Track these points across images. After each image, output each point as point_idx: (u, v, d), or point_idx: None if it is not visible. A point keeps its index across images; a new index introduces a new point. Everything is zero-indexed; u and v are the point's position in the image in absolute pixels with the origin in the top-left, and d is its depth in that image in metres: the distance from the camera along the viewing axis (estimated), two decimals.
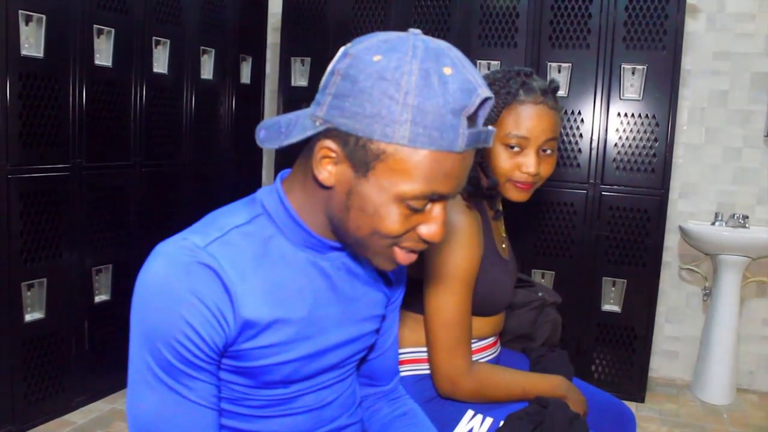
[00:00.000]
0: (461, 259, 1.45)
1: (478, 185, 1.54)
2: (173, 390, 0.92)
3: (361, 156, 0.89)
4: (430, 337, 1.47)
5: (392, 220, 0.92)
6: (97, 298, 2.96)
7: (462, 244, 1.45)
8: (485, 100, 0.88)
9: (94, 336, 2.94)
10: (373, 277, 1.15)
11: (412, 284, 1.43)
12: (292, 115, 0.96)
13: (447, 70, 0.86)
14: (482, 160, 1.54)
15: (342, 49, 0.93)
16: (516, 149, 1.50)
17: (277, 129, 0.95)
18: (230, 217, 1.01)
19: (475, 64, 3.29)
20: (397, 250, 0.97)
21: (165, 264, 0.92)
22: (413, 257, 0.99)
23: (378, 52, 0.88)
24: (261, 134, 0.97)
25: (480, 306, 1.55)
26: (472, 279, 1.47)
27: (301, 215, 1.02)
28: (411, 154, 0.87)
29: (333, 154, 0.92)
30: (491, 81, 1.55)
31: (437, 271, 1.45)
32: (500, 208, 1.67)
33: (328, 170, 0.93)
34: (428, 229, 0.95)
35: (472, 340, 1.54)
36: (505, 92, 1.50)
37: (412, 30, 0.92)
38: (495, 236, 1.62)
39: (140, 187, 3.11)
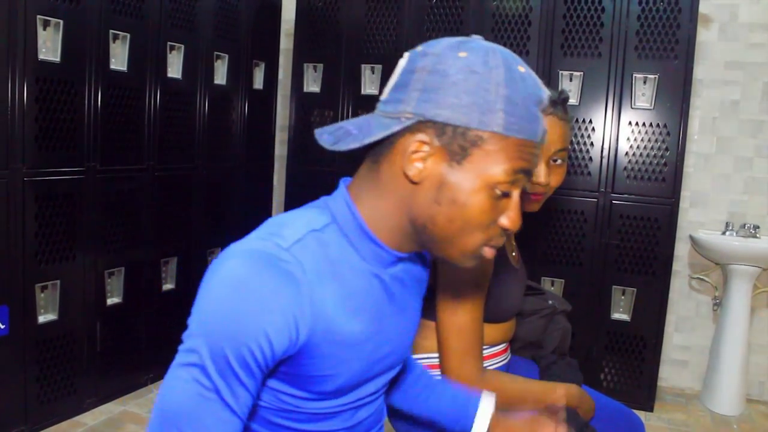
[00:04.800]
0: (474, 267, 1.46)
1: None
2: (217, 390, 0.89)
3: (459, 144, 0.93)
4: (442, 343, 1.48)
5: (483, 207, 0.95)
6: (110, 301, 2.99)
7: None
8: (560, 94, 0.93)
9: (106, 338, 2.97)
10: (417, 287, 1.17)
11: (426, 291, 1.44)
12: (358, 120, 0.99)
13: (521, 68, 0.95)
14: None
15: (411, 53, 0.98)
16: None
17: (345, 132, 0.97)
18: (303, 221, 0.99)
19: None
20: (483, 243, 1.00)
21: (246, 263, 0.90)
22: (495, 252, 1.03)
23: (461, 49, 0.93)
24: (326, 138, 0.98)
25: (490, 313, 1.56)
26: (484, 287, 1.49)
27: (371, 225, 1.01)
28: (504, 140, 0.93)
29: (426, 147, 0.93)
30: None
31: (450, 279, 1.47)
32: None
33: (417, 166, 0.94)
34: (508, 218, 0.98)
35: (483, 347, 1.55)
36: None
37: (473, 36, 0.99)
38: (505, 244, 1.63)
39: (153, 190, 3.14)
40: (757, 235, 3.40)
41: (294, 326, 0.90)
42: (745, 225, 3.44)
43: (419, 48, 0.97)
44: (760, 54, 3.43)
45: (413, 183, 0.96)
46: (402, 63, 0.97)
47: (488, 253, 1.01)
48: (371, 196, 1.01)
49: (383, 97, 0.99)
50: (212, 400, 0.89)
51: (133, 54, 2.95)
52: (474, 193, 0.94)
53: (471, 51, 0.93)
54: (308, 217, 1.00)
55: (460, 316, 1.46)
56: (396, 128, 0.93)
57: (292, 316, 0.90)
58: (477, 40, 0.97)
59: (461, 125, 0.92)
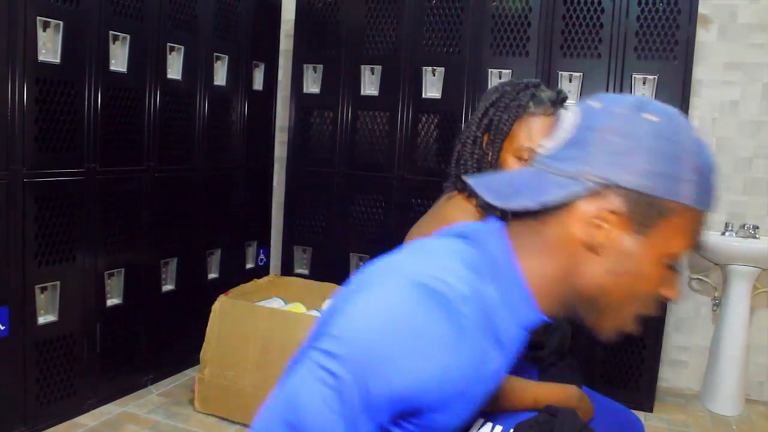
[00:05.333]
0: None
1: None
2: (347, 424, 0.82)
3: (646, 213, 0.86)
4: None
5: (656, 280, 0.90)
6: (109, 302, 2.99)
7: None
8: None
9: (105, 339, 2.97)
10: None
11: None
12: (523, 174, 0.94)
13: (697, 134, 0.90)
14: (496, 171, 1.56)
15: (582, 107, 0.91)
16: (527, 160, 1.52)
17: (514, 190, 0.91)
18: (462, 264, 0.90)
19: (486, 72, 3.33)
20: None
21: (421, 299, 0.82)
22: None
23: (645, 111, 0.88)
24: (490, 194, 0.92)
25: None
26: None
27: (528, 284, 0.93)
28: (690, 212, 0.87)
29: (613, 216, 0.86)
30: (500, 94, 1.57)
31: None
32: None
33: (598, 234, 0.87)
34: (674, 289, 0.93)
35: None
36: (515, 105, 1.53)
37: (639, 95, 0.94)
38: None
39: (153, 191, 3.14)
40: (757, 236, 3.40)
41: (451, 384, 0.85)
42: (744, 225, 3.44)
43: (592, 103, 0.91)
44: (759, 54, 3.43)
45: (589, 251, 0.89)
46: (572, 117, 0.91)
47: (634, 326, 0.95)
48: (532, 254, 0.92)
49: (549, 151, 0.92)
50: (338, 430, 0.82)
51: (133, 55, 2.95)
52: (651, 265, 0.88)
53: (656, 114, 0.88)
54: (467, 259, 0.92)
55: None
56: (577, 190, 0.87)
57: (456, 373, 0.84)
58: (651, 100, 0.91)
59: (651, 194, 0.85)
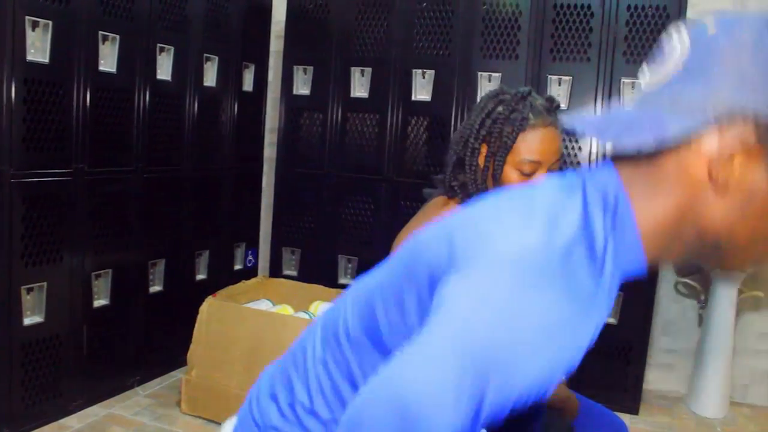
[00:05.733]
0: None
1: None
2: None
3: None
4: None
5: None
6: (96, 303, 2.97)
7: None
8: None
9: (92, 340, 2.95)
10: None
11: None
12: (631, 113, 0.84)
13: None
14: (495, 183, 1.56)
15: (694, 29, 0.80)
16: (528, 173, 1.53)
17: (625, 126, 0.81)
18: (570, 216, 0.80)
19: (476, 75, 3.34)
20: None
21: (546, 282, 0.73)
22: None
23: None
24: (592, 132, 0.86)
25: None
26: None
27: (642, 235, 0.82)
28: None
29: (744, 149, 0.75)
30: (497, 104, 1.57)
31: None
32: None
33: (727, 170, 0.76)
34: None
35: None
36: (517, 117, 1.53)
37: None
38: None
39: (141, 192, 3.13)
40: None
41: (564, 367, 0.77)
42: None
43: (708, 22, 0.79)
44: None
45: (716, 190, 0.78)
46: (682, 41, 0.80)
47: None
48: (645, 198, 0.82)
49: (655, 86, 0.82)
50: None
51: (122, 55, 2.94)
52: None
53: None
54: (572, 214, 0.80)
55: None
56: (702, 122, 0.76)
57: (574, 354, 0.76)
58: None
59: None
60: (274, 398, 1.02)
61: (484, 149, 1.59)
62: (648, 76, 0.84)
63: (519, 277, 0.73)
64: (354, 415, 0.75)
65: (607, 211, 0.81)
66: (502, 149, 1.55)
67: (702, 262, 0.89)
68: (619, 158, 0.85)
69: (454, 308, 0.74)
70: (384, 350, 0.90)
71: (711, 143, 0.76)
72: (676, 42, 0.81)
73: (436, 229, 0.90)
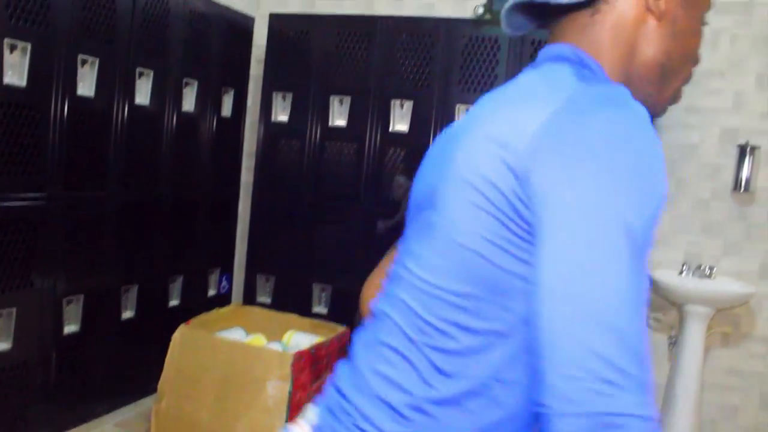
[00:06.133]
0: None
1: None
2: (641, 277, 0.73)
3: None
4: None
5: (700, 35, 0.95)
6: (67, 329, 2.93)
7: None
8: None
9: (61, 367, 2.90)
10: None
11: None
12: None
13: None
14: None
15: None
16: None
17: None
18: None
19: (454, 108, 3.37)
20: None
21: (645, 122, 0.77)
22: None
23: None
24: None
25: None
26: None
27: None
28: None
29: None
30: None
31: None
32: None
33: (663, 2, 0.90)
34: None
35: None
36: None
37: None
38: None
39: (116, 217, 3.10)
40: (712, 277, 3.48)
41: None
42: (700, 266, 3.51)
43: None
44: (717, 100, 3.54)
45: (654, 20, 0.91)
46: None
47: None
48: (599, 50, 0.91)
49: None
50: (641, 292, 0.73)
51: (101, 79, 2.92)
52: (697, 21, 0.94)
53: None
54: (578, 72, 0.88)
55: None
56: None
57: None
58: None
59: None
60: (383, 402, 0.89)
61: None
62: None
63: (607, 122, 0.76)
64: (555, 353, 0.72)
65: (585, 69, 0.89)
66: None
67: (646, 99, 0.91)
68: (558, 32, 0.95)
69: (587, 197, 0.74)
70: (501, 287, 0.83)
71: None
72: None
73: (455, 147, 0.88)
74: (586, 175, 0.74)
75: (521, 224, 0.78)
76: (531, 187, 0.76)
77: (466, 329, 0.83)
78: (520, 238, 0.79)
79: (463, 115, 3.36)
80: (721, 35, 3.50)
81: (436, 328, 0.85)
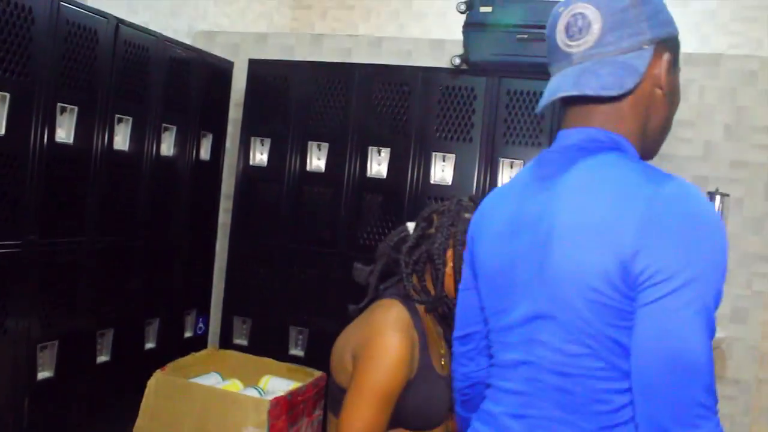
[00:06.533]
0: (384, 376, 1.51)
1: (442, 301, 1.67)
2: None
3: (677, 50, 1.19)
4: None
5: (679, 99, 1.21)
6: (40, 375, 2.91)
7: (388, 363, 1.52)
8: None
9: (33, 413, 2.88)
10: None
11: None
12: (585, 67, 1.12)
13: None
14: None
15: (593, 2, 1.13)
16: None
17: (594, 76, 1.10)
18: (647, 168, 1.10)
19: (431, 156, 3.43)
20: None
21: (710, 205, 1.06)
22: None
23: None
24: (571, 85, 1.11)
25: (411, 420, 1.60)
26: (391, 397, 1.53)
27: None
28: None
29: (669, 63, 1.15)
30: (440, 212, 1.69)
31: (358, 383, 1.52)
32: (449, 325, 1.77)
33: (668, 78, 1.15)
34: None
35: None
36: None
37: None
38: (432, 353, 1.68)
39: (93, 262, 3.10)
40: None
41: None
42: None
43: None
44: (687, 149, 3.63)
45: (661, 93, 1.15)
46: (590, 12, 1.12)
47: None
48: (622, 126, 1.14)
49: (589, 44, 1.12)
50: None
51: (80, 126, 2.94)
52: (678, 81, 1.20)
53: None
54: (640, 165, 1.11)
55: (359, 420, 1.49)
56: (648, 55, 1.12)
57: None
58: None
59: (676, 34, 1.18)
60: None
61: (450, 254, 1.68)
62: (578, 44, 1.13)
63: (704, 205, 1.03)
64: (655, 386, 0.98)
65: (623, 152, 1.12)
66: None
67: (646, 156, 1.22)
68: (584, 113, 1.16)
69: (693, 271, 0.96)
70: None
71: (655, 67, 1.13)
72: (584, 10, 1.12)
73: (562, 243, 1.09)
74: (690, 254, 0.96)
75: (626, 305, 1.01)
76: (636, 267, 0.98)
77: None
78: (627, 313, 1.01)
79: (440, 164, 3.42)
80: (690, 86, 3.60)
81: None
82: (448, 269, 1.69)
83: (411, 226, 1.77)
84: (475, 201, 1.69)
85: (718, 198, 3.50)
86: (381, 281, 1.78)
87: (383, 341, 1.52)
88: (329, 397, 1.71)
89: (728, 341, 3.55)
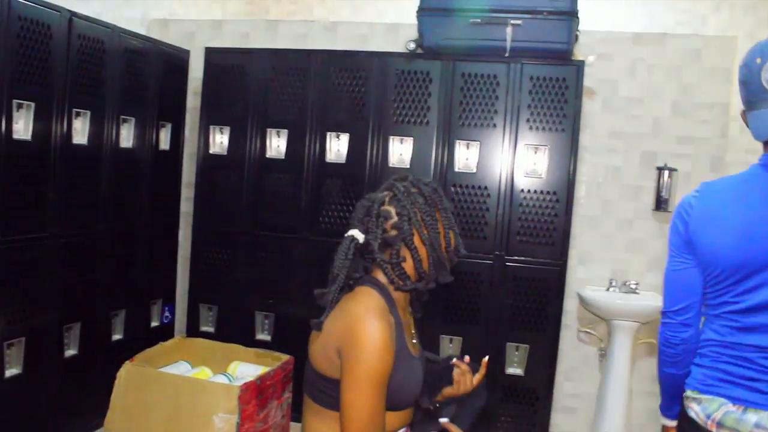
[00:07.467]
0: (375, 362, 1.57)
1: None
2: None
3: None
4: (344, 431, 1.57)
5: None
6: (8, 373, 2.92)
7: (376, 348, 1.57)
8: None
9: (3, 410, 2.89)
10: None
11: (335, 384, 1.57)
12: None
13: None
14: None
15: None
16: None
17: None
18: None
19: (388, 140, 3.48)
20: None
21: None
22: None
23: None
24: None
25: (392, 402, 1.67)
26: (384, 381, 1.60)
27: None
28: None
29: None
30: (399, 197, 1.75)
31: (351, 374, 1.57)
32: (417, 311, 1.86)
33: None
34: None
35: None
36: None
37: None
38: (406, 335, 1.75)
39: (56, 257, 3.10)
40: (638, 291, 3.69)
41: None
42: (626, 282, 3.71)
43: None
44: (637, 125, 3.74)
45: None
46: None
47: None
48: None
49: None
50: None
51: (37, 122, 2.93)
52: None
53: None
54: None
55: (361, 409, 1.54)
56: None
57: None
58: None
59: None
60: None
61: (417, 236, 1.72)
62: None
63: None
64: None
65: None
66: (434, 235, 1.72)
67: None
68: None
69: None
70: None
71: None
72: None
73: None
74: None
75: None
76: None
77: None
78: None
79: (398, 147, 3.48)
80: (639, 65, 3.71)
81: None
82: (423, 252, 1.74)
83: (355, 233, 1.76)
84: (406, 178, 1.77)
85: (666, 173, 3.64)
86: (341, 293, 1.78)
87: (367, 328, 1.57)
88: (307, 382, 1.74)
89: None
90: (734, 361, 1.56)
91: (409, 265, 1.73)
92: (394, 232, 1.72)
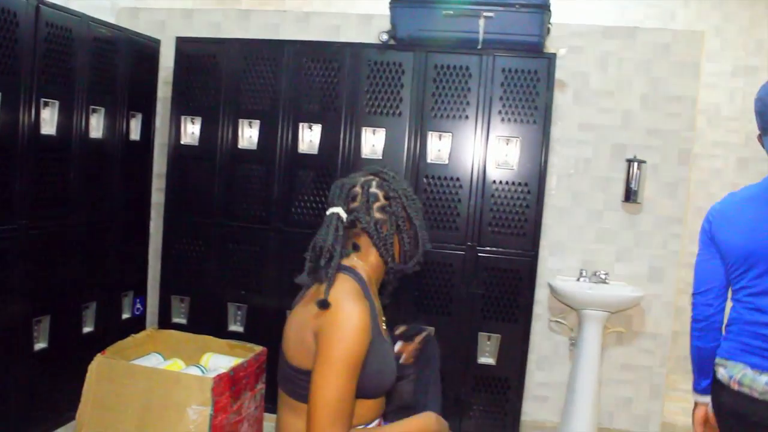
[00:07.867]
0: (351, 344, 1.57)
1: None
2: None
3: None
4: (310, 414, 1.56)
5: None
6: None
7: (353, 331, 1.58)
8: None
9: None
10: None
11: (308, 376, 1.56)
12: None
13: None
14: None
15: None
16: None
17: None
18: None
19: (361, 131, 3.48)
20: None
21: None
22: None
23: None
24: None
25: (372, 387, 1.68)
26: (358, 364, 1.60)
27: None
28: None
29: None
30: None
31: (326, 355, 1.57)
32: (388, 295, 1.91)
33: None
34: None
35: (360, 426, 1.67)
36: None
37: None
38: (379, 320, 1.77)
39: (25, 249, 3.06)
40: (607, 281, 3.74)
41: None
42: (596, 272, 3.77)
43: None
44: (607, 117, 3.79)
45: None
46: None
47: None
48: None
49: None
50: None
51: (4, 112, 2.88)
52: None
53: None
54: None
55: (330, 389, 1.54)
56: None
57: None
58: None
59: None
60: None
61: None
62: None
63: None
64: None
65: None
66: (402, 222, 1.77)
67: None
68: None
69: None
70: None
71: None
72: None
73: None
74: None
75: None
76: None
77: None
78: None
79: (370, 138, 3.48)
80: (609, 58, 3.75)
81: None
82: (411, 234, 1.80)
83: (339, 210, 1.77)
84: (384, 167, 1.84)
85: (635, 165, 3.69)
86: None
87: (344, 312, 1.58)
88: (282, 378, 1.74)
89: (647, 299, 3.77)
90: (752, 335, 1.93)
91: (395, 247, 1.78)
92: (381, 215, 1.76)
